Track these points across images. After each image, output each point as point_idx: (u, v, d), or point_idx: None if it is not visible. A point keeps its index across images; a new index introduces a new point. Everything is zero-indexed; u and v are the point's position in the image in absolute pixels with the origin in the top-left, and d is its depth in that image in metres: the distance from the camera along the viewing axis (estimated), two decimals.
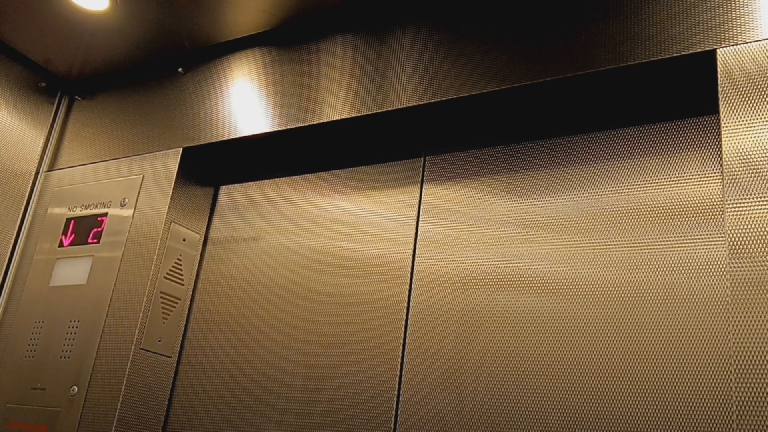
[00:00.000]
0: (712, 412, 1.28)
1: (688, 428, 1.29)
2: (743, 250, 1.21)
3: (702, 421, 1.29)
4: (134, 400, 1.89)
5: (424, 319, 1.68)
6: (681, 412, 1.31)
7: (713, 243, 1.39)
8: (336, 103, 1.87)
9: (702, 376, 1.31)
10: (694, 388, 1.32)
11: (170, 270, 2.05)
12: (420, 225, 1.79)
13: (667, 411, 1.32)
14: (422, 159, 1.87)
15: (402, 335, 1.69)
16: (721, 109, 1.30)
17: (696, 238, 1.41)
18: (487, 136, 1.77)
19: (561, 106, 1.64)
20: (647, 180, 1.51)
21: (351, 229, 1.90)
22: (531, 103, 1.65)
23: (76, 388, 1.93)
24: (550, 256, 1.56)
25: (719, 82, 1.32)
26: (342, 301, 1.83)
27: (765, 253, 1.19)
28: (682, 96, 1.50)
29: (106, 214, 2.16)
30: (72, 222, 2.23)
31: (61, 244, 2.22)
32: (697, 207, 1.43)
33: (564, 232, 1.57)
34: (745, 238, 1.22)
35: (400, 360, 1.67)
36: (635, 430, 1.34)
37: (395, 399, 1.63)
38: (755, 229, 1.21)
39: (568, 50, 1.53)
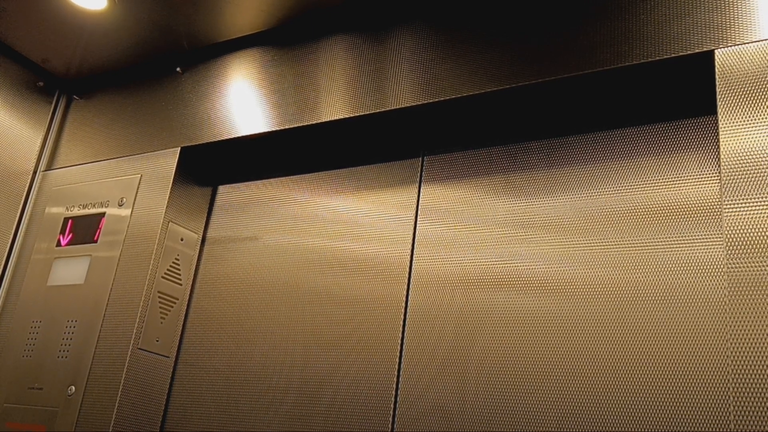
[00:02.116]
0: (710, 413, 1.28)
1: (685, 428, 1.29)
2: (741, 251, 1.21)
3: (699, 421, 1.29)
4: (132, 399, 1.89)
5: (422, 319, 1.68)
6: (679, 412, 1.31)
7: (711, 243, 1.39)
8: (334, 103, 1.87)
9: (700, 377, 1.31)
10: (691, 388, 1.32)
11: (168, 270, 2.05)
12: (418, 225, 1.79)
13: (664, 411, 1.32)
14: (420, 159, 1.87)
15: (400, 335, 1.69)
16: (719, 110, 1.30)
17: (694, 239, 1.41)
18: (485, 136, 1.77)
19: (559, 106, 1.64)
20: (645, 180, 1.51)
21: (349, 229, 1.90)
22: (529, 103, 1.65)
23: (73, 387, 1.93)
24: (548, 257, 1.56)
25: (717, 83, 1.32)
26: (340, 300, 1.83)
27: (762, 254, 1.19)
28: (681, 96, 1.50)
29: (104, 214, 2.16)
30: (70, 221, 2.23)
31: (58, 244, 2.22)
32: (695, 208, 1.43)
33: (562, 233, 1.57)
34: (742, 239, 1.22)
35: (398, 360, 1.67)
36: (633, 430, 1.34)
37: (393, 399, 1.63)
38: (753, 230, 1.21)
39: (567, 50, 1.53)
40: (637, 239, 1.47)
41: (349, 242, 1.88)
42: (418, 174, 1.85)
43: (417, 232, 1.78)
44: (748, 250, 1.20)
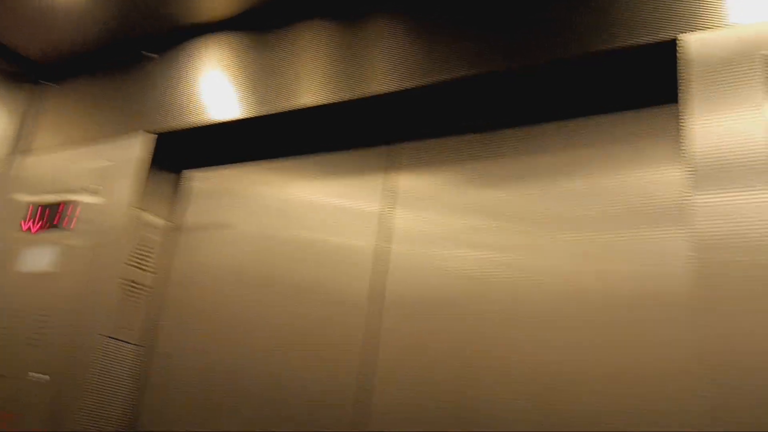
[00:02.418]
0: (677, 409, 1.26)
1: (652, 421, 1.28)
2: (705, 241, 1.20)
3: (666, 417, 1.27)
4: (104, 387, 1.88)
5: (398, 309, 1.65)
6: (648, 408, 1.30)
7: (678, 232, 1.37)
8: (308, 89, 1.85)
9: (663, 367, 1.30)
10: (655, 380, 1.30)
11: (140, 258, 2.03)
12: (390, 213, 1.77)
13: (638, 407, 1.31)
14: (394, 146, 1.84)
15: (374, 326, 1.68)
16: (684, 97, 1.29)
17: (662, 228, 1.39)
18: (456, 124, 1.75)
19: (528, 94, 1.62)
20: (615, 169, 1.49)
21: (321, 216, 1.88)
22: (497, 90, 1.63)
23: (44, 375, 1.91)
24: (519, 246, 1.54)
25: (682, 70, 1.30)
26: (311, 290, 1.80)
27: (726, 244, 1.18)
28: (650, 83, 1.47)
29: (74, 201, 2.14)
30: (40, 208, 2.20)
31: (29, 231, 2.19)
32: (663, 197, 1.41)
33: (533, 221, 1.55)
34: (707, 229, 1.20)
35: (370, 350, 1.65)
36: (606, 422, 1.32)
37: (366, 390, 1.62)
38: (717, 220, 1.20)
39: (535, 38, 1.51)
40: (605, 228, 1.45)
41: (320, 231, 1.86)
42: (392, 161, 1.83)
43: (389, 221, 1.76)
44: (712, 240, 1.19)
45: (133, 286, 2.00)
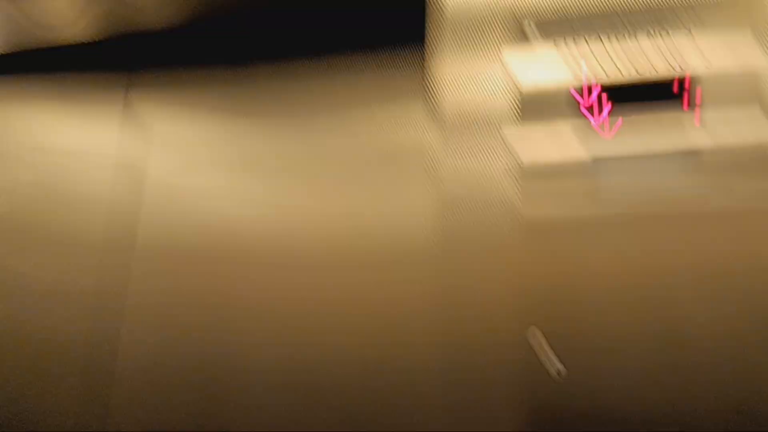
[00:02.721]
0: (417, 350, 1.28)
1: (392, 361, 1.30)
2: (447, 195, 1.22)
3: (406, 356, 1.29)
4: None
5: (139, 257, 1.53)
6: (392, 352, 1.30)
7: (423, 179, 1.39)
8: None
9: (406, 311, 1.31)
10: (398, 324, 1.31)
11: None
12: (131, 152, 1.61)
13: (384, 350, 1.31)
14: (135, 77, 1.67)
15: (111, 274, 1.54)
16: (429, 43, 1.29)
17: (409, 174, 1.40)
18: (208, 57, 1.63)
19: (282, 28, 1.55)
20: (368, 112, 1.46)
21: (53, 157, 1.66)
22: (252, 24, 1.54)
23: None
24: (269, 190, 1.49)
25: (428, 15, 1.31)
26: (45, 238, 1.61)
27: (467, 197, 1.21)
28: (403, 30, 1.46)
29: None
30: None
31: None
32: (411, 142, 1.41)
33: (282, 166, 1.49)
34: (449, 183, 1.22)
35: (106, 300, 1.52)
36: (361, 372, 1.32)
37: (100, 339, 1.49)
38: (460, 174, 1.22)
39: None
40: (357, 173, 1.43)
41: (53, 173, 1.65)
42: (135, 93, 1.66)
43: (130, 162, 1.60)
44: (455, 194, 1.22)
45: None
